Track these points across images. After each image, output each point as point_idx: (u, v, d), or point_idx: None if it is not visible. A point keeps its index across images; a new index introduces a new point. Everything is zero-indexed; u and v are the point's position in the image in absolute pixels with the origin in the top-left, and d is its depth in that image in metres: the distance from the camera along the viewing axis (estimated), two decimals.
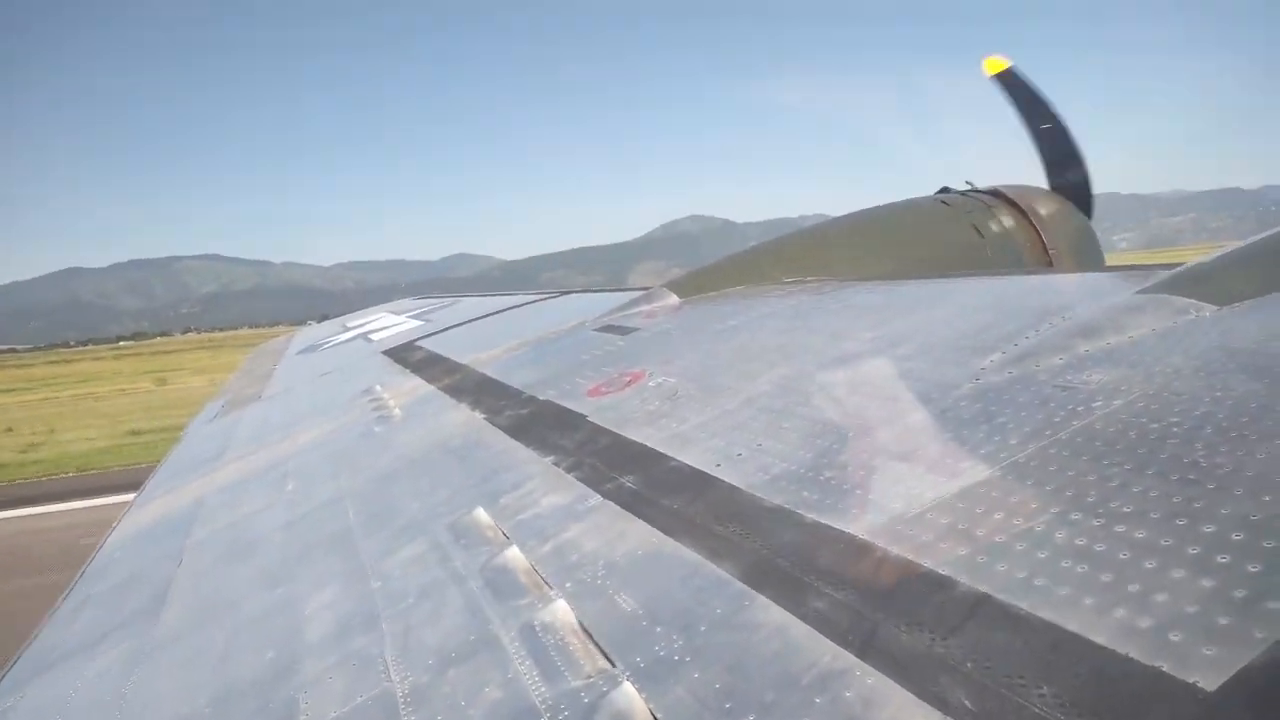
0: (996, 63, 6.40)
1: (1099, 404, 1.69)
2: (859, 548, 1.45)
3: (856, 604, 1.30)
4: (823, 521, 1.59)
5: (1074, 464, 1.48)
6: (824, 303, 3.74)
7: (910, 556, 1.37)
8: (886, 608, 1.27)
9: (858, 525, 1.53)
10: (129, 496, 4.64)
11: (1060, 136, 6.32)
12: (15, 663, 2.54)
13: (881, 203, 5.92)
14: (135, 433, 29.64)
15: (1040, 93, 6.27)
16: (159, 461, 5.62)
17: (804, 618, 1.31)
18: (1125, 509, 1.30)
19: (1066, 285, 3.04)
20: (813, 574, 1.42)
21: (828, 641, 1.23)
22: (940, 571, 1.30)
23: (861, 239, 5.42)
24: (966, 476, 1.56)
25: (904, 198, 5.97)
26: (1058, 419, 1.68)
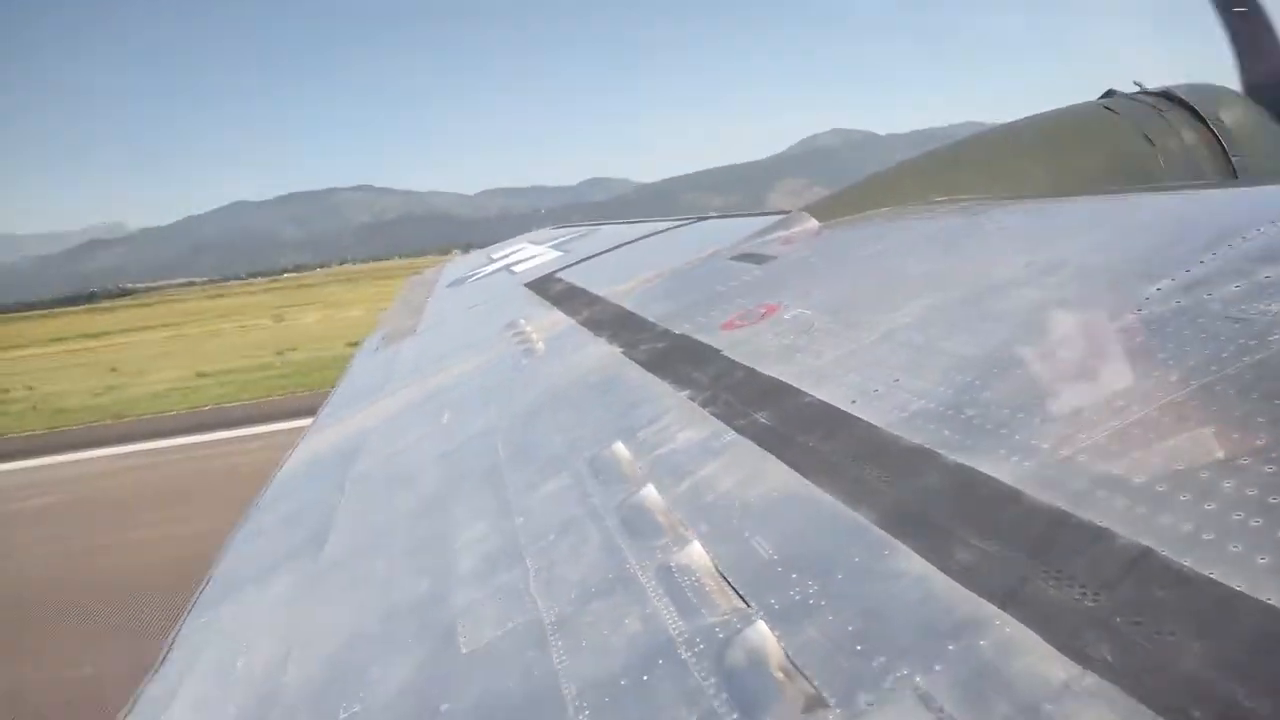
0: None
1: (1276, 337, 1.51)
2: (1005, 494, 1.38)
3: (1000, 554, 1.25)
4: (966, 464, 1.51)
5: (1246, 404, 1.34)
6: (975, 224, 3.50)
7: (1062, 505, 1.29)
8: (1034, 559, 1.21)
9: (1004, 469, 1.45)
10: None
11: (1258, 22, 5.35)
12: (206, 585, 2.87)
13: (1040, 110, 5.32)
14: (202, 375, 29.92)
15: None
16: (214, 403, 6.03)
17: (944, 568, 1.27)
18: None
19: (1250, 200, 2.71)
20: (955, 520, 1.37)
21: (967, 591, 1.20)
22: (1096, 522, 1.22)
23: (1017, 152, 4.91)
24: (1126, 417, 1.44)
25: (1065, 104, 5.36)
26: (1227, 354, 1.51)
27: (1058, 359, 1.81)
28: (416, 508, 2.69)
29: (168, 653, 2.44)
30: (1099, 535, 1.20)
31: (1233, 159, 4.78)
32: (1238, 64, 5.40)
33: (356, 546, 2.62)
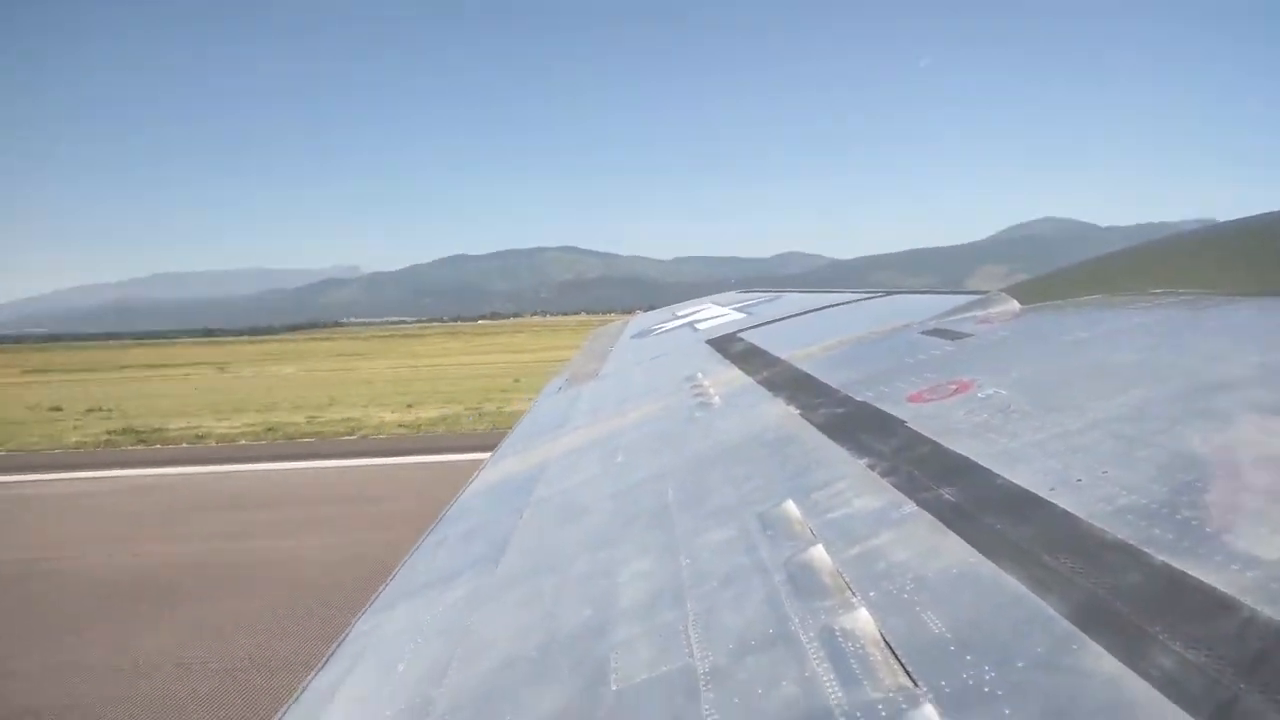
0: None
1: None
2: (1219, 601, 1.23)
3: (1211, 667, 1.10)
4: (1176, 566, 1.36)
5: None
6: (1199, 318, 3.15)
7: None
8: (1252, 677, 1.06)
9: (1220, 576, 1.29)
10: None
11: None
12: (385, 589, 3.06)
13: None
14: (268, 425, 27.70)
15: None
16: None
17: (1143, 673, 1.14)
18: None
19: None
20: (1158, 624, 1.23)
21: (1170, 704, 1.07)
22: None
23: (1254, 247, 4.37)
24: None
25: None
26: None
27: None
28: (587, 539, 2.75)
29: (336, 649, 2.61)
30: None
31: None
32: None
33: (527, 569, 2.71)
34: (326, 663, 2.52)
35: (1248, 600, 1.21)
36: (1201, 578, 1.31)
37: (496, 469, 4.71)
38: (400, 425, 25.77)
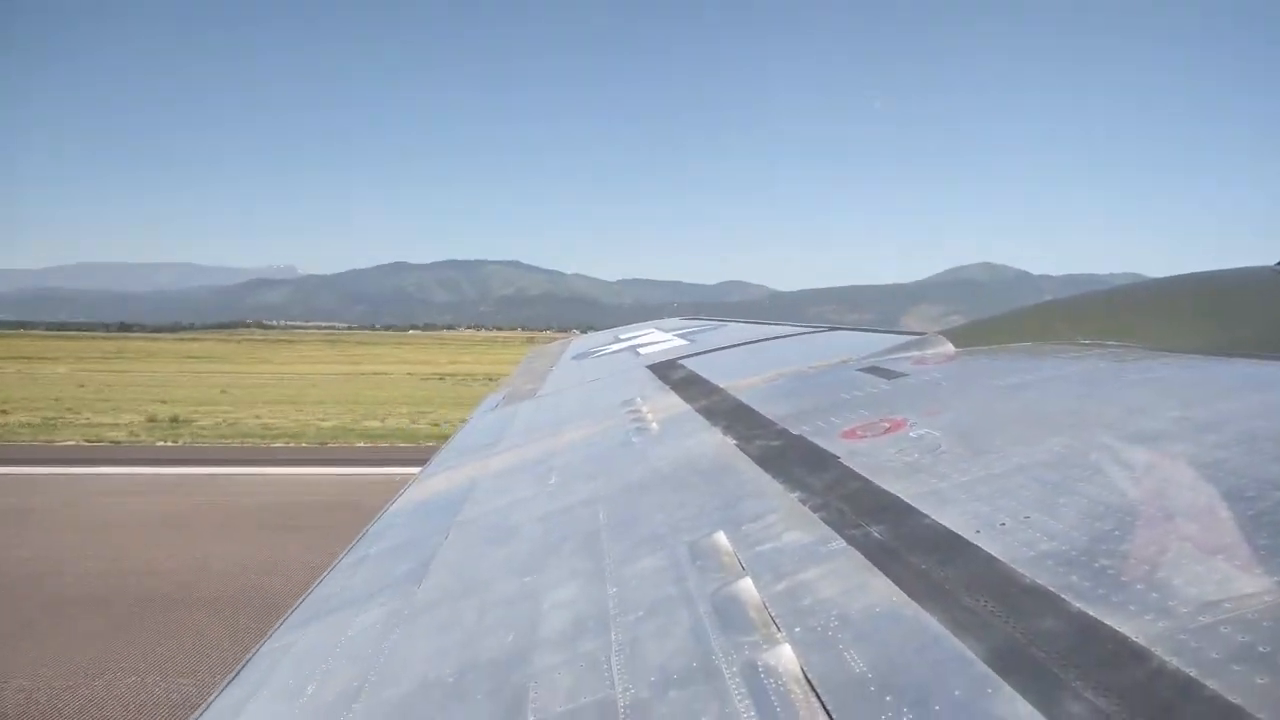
0: None
1: None
2: (1131, 651, 1.25)
3: (1121, 715, 1.12)
4: (1091, 614, 1.38)
5: None
6: (1124, 371, 3.28)
7: (1193, 673, 1.16)
8: None
9: (1133, 625, 1.31)
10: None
11: None
12: (298, 606, 2.95)
13: (1206, 269, 4.99)
14: (153, 419, 29.52)
15: None
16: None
17: (1054, 717, 1.15)
18: None
19: None
20: (1072, 671, 1.25)
21: None
22: (1229, 698, 1.09)
23: (1178, 305, 4.58)
24: (1278, 593, 1.30)
25: (1234, 266, 5.03)
26: None
27: (1208, 521, 1.64)
28: (513, 562, 2.70)
29: (242, 668, 2.49)
30: (1231, 713, 1.07)
31: None
32: None
33: (449, 591, 2.64)
34: (230, 683, 2.40)
35: (1157, 650, 1.24)
36: (1115, 626, 1.33)
37: (424, 486, 4.60)
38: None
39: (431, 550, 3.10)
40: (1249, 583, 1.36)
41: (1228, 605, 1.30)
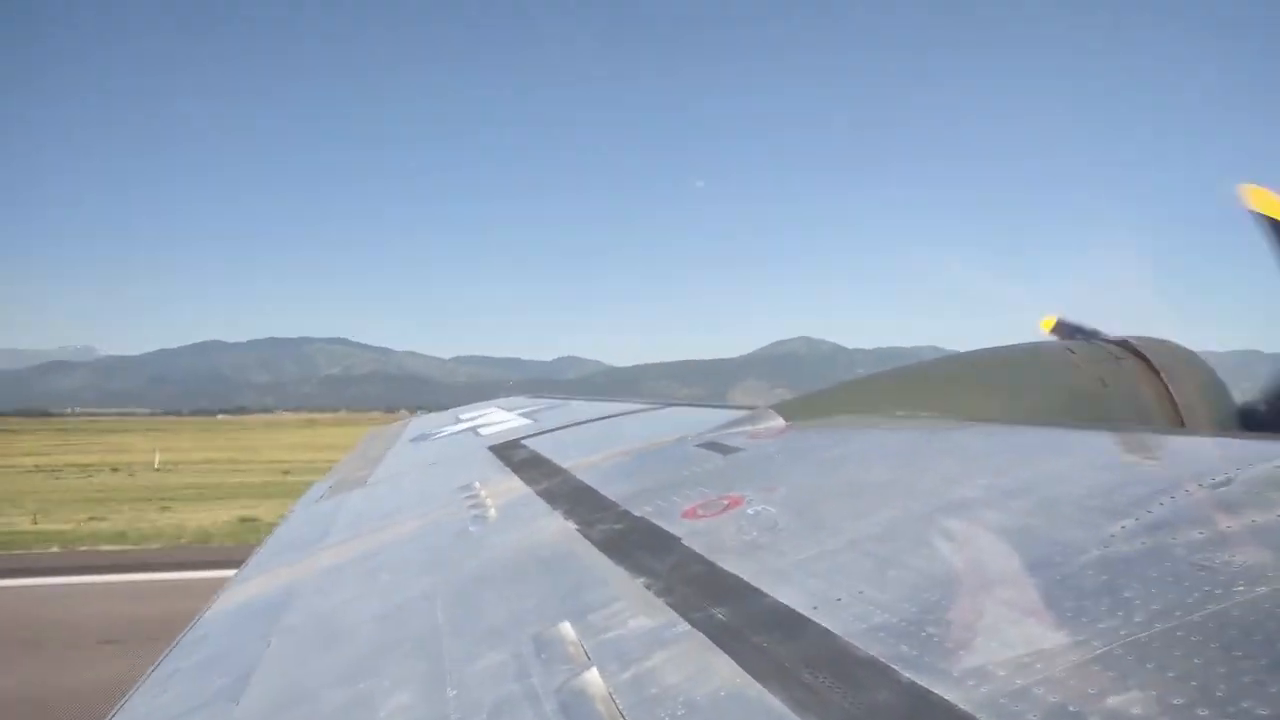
0: (1268, 200, 5.18)
1: (1240, 589, 1.50)
2: (957, 717, 1.32)
3: None
4: (919, 683, 1.45)
5: (1204, 652, 1.31)
6: (937, 441, 3.57)
7: None
8: None
9: (957, 693, 1.38)
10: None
11: None
12: None
13: (997, 339, 5.65)
14: None
15: None
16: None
17: None
18: (1260, 711, 1.14)
19: (1205, 449, 2.81)
20: None
21: None
22: None
23: (979, 378, 5.14)
24: (1085, 652, 1.40)
25: (1024, 340, 5.71)
26: (1191, 600, 1.50)
27: (1019, 585, 1.78)
28: (343, 669, 2.50)
29: None
30: None
31: (1182, 414, 5.03)
32: None
33: (272, 704, 2.41)
34: None
35: (981, 716, 1.30)
36: (942, 694, 1.40)
37: (242, 589, 4.21)
38: None
39: (251, 661, 2.83)
40: (1056, 642, 1.47)
41: (1039, 667, 1.39)
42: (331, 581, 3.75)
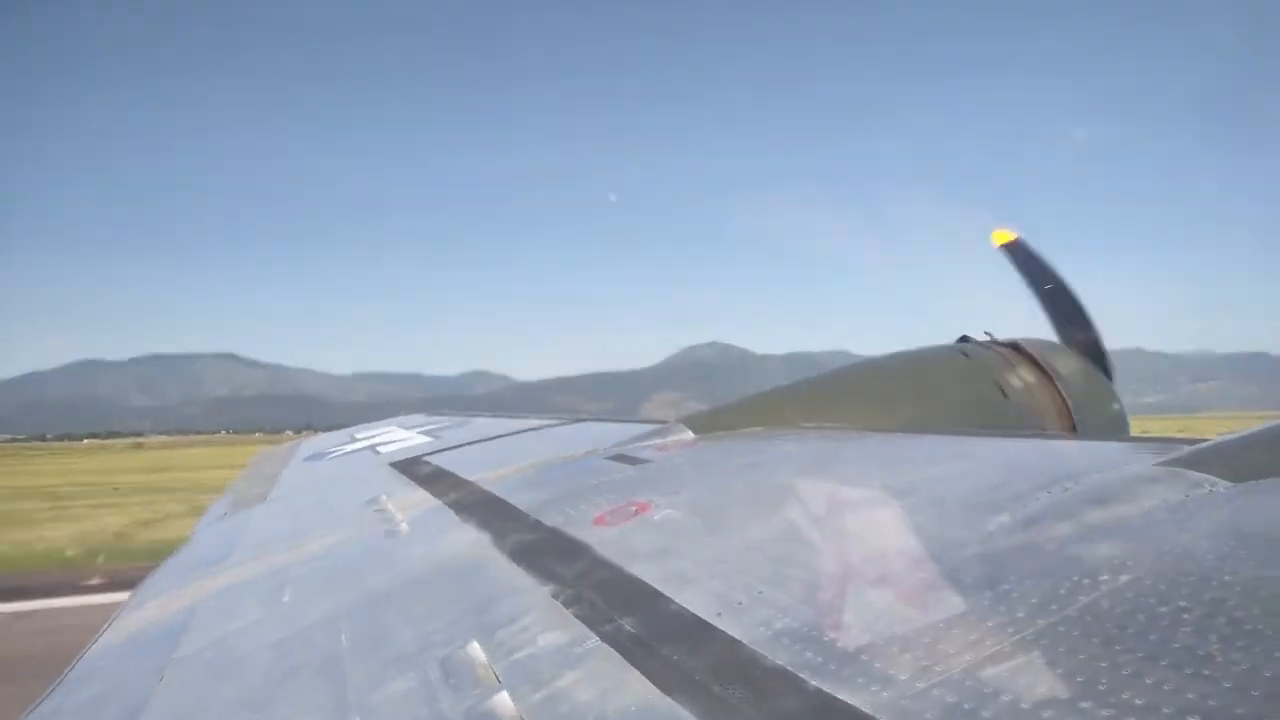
0: (1004, 235, 6.90)
1: (1105, 579, 1.63)
2: None
3: None
4: (825, 690, 1.50)
5: (1083, 645, 1.41)
6: (837, 450, 3.73)
7: None
8: None
9: (862, 697, 1.44)
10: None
11: (1064, 296, 6.56)
12: None
13: (901, 340, 5.93)
14: None
15: (1044, 259, 6.77)
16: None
17: None
18: (1136, 701, 1.22)
19: (1082, 451, 3.02)
20: None
21: None
22: None
23: (880, 388, 5.43)
24: (975, 651, 1.48)
25: (922, 341, 6.01)
26: (1063, 591, 1.62)
27: (910, 585, 1.87)
28: (242, 700, 2.39)
29: None
30: None
31: (1071, 408, 5.44)
32: (1055, 329, 6.47)
33: None
34: None
35: (884, 718, 1.36)
36: (847, 699, 1.45)
37: (134, 615, 3.96)
38: None
39: (143, 695, 2.67)
40: (948, 644, 1.54)
41: (938, 669, 1.46)
42: (231, 605, 3.58)
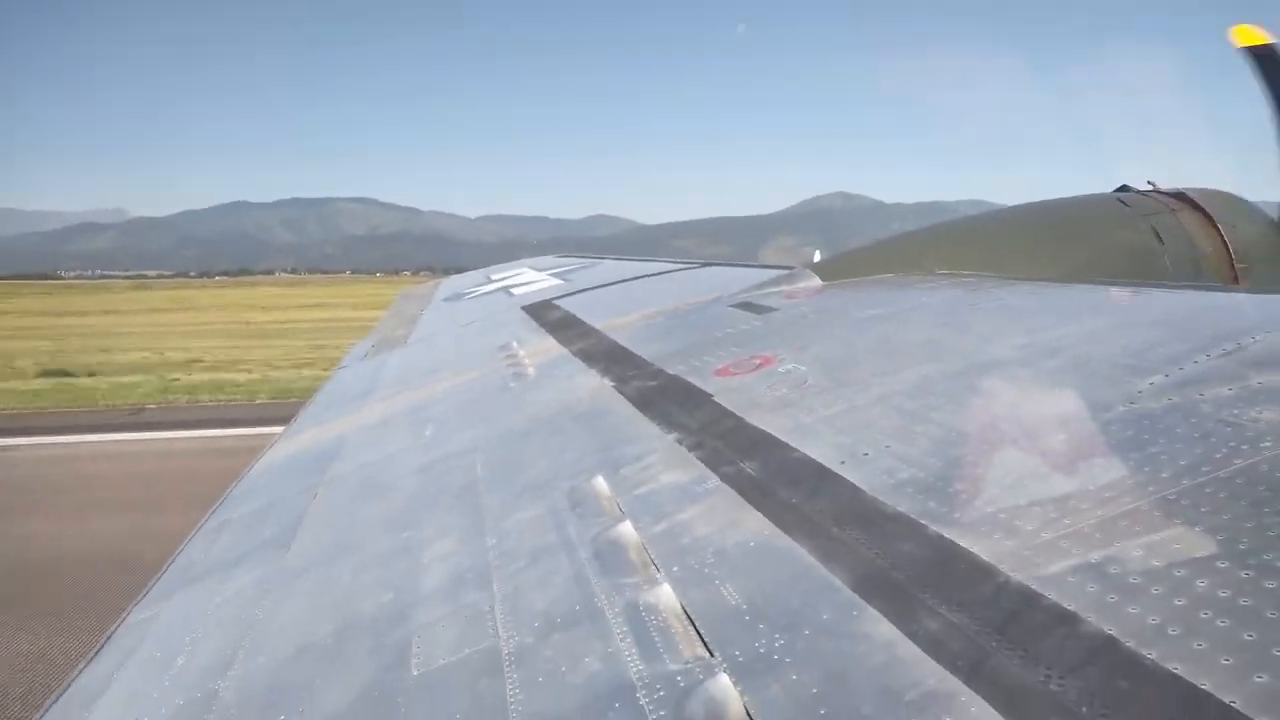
0: (1251, 33, 5.23)
1: (1268, 445, 1.50)
2: (981, 569, 1.37)
3: (971, 628, 1.23)
4: (946, 536, 1.50)
5: (1230, 507, 1.33)
6: (977, 300, 3.51)
7: (1035, 586, 1.27)
8: (1003, 636, 1.19)
9: (983, 545, 1.43)
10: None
11: None
12: (160, 577, 2.80)
13: (1048, 196, 5.37)
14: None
15: None
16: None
17: (913, 635, 1.25)
18: (1278, 563, 1.16)
19: (1249, 306, 2.74)
20: (928, 591, 1.36)
21: (934, 663, 1.18)
22: (1065, 605, 1.21)
23: (1026, 234, 4.96)
24: (1109, 507, 1.43)
25: (1074, 193, 5.43)
26: (1218, 456, 1.50)
27: (1047, 443, 1.79)
28: (388, 518, 2.64)
29: (106, 642, 2.36)
30: (1067, 619, 1.18)
31: (1236, 265, 4.88)
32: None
33: (321, 552, 2.56)
34: (95, 657, 2.27)
35: (1003, 567, 1.35)
36: (967, 547, 1.45)
37: (290, 443, 4.38)
38: None
39: (300, 511, 2.99)
40: (1080, 500, 1.50)
41: (1066, 522, 1.43)
42: (375, 436, 3.89)
